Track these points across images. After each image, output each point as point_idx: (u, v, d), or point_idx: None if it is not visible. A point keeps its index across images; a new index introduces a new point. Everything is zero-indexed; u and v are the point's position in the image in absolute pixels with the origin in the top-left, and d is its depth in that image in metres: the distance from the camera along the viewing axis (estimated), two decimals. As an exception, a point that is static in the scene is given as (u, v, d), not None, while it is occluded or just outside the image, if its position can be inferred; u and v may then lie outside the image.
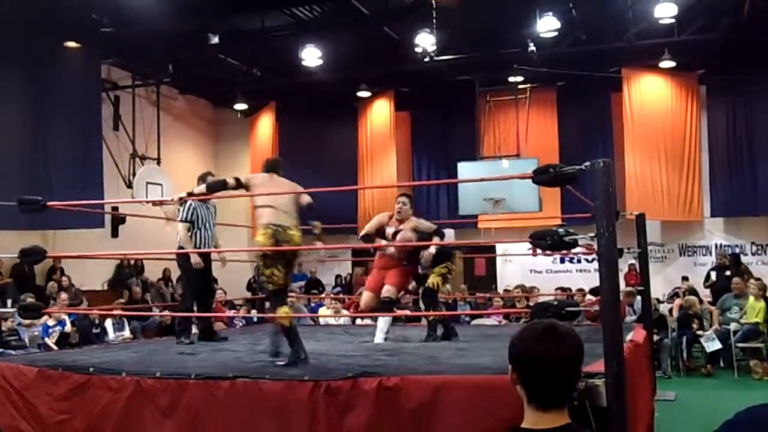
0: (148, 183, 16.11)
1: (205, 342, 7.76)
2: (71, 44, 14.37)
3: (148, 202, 7.07)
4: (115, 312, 11.63)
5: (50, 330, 10.99)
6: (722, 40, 14.44)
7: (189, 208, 7.81)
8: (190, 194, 7.03)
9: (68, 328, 11.19)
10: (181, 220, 7.77)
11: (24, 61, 13.50)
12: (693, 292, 13.39)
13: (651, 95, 16.94)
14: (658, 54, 15.65)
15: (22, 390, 5.90)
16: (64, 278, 14.38)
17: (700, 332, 11.90)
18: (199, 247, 7.74)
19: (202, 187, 7.00)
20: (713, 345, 11.60)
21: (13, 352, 9.39)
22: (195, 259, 7.59)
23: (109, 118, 16.69)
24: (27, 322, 10.60)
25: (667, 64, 15.94)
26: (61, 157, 13.81)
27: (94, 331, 11.64)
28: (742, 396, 9.54)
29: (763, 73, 15.95)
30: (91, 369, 5.78)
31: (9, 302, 12.29)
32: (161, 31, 14.38)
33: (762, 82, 16.17)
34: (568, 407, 1.97)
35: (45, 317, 10.75)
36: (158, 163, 17.56)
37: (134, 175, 16.62)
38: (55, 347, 10.53)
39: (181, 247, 7.79)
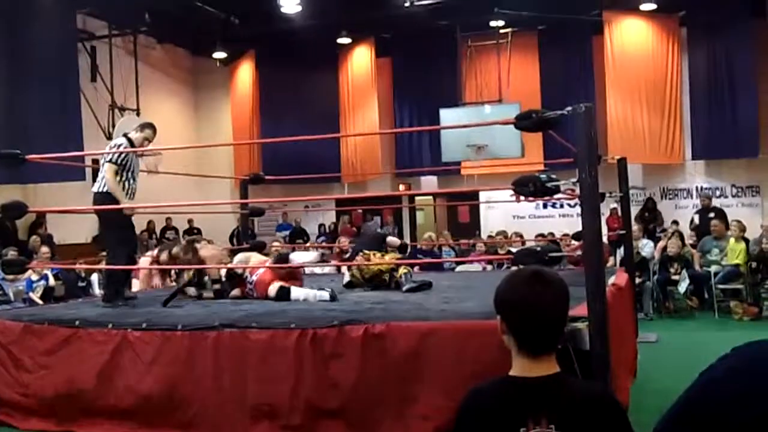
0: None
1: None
2: (45, -6, 14.10)
3: (128, 152, 6.87)
4: (99, 266, 11.60)
5: (34, 284, 10.96)
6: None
7: (118, 149, 6.98)
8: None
9: (52, 282, 11.16)
10: (110, 161, 6.83)
11: (-2, 14, 13.25)
12: (680, 235, 13.49)
13: (632, 38, 16.87)
14: (640, -4, 15.55)
15: (8, 345, 5.91)
16: (47, 232, 14.33)
17: (675, 277, 12.02)
18: (134, 194, 6.97)
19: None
20: (683, 284, 11.80)
21: (-3, 307, 9.40)
22: (128, 209, 6.91)
23: (87, 69, 16.46)
24: (10, 276, 10.56)
25: (648, 6, 15.87)
26: (39, 109, 13.64)
27: (80, 284, 11.63)
28: (723, 336, 9.70)
29: (744, 14, 15.88)
30: (77, 322, 5.79)
31: (-9, 257, 12.25)
32: (137, -22, 14.13)
33: (742, 23, 16.09)
34: (555, 354, 1.99)
35: (29, 272, 10.71)
36: (137, 114, 17.37)
37: (114, 126, 16.45)
38: (40, 302, 10.51)
39: (102, 194, 6.89)
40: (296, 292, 6.77)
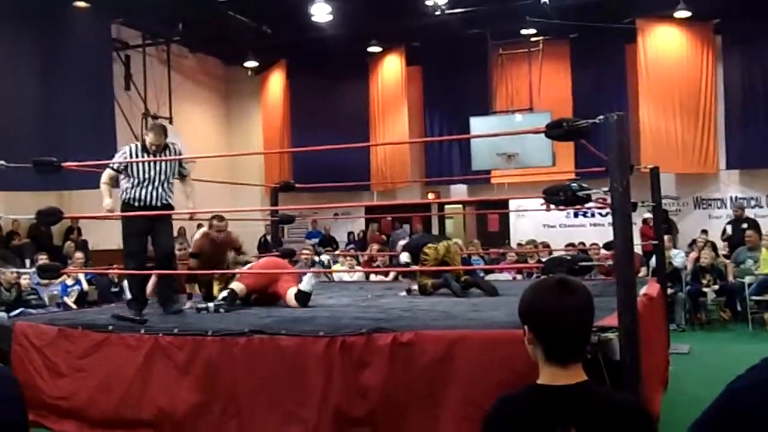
0: (160, 142, 16.10)
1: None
2: (80, 4, 14.31)
3: (161, 160, 6.91)
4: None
5: (69, 289, 11.12)
6: (738, -12, 14.20)
7: (121, 157, 6.86)
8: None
9: (85, 287, 11.31)
10: (109, 166, 6.86)
11: (34, 23, 13.46)
12: (712, 245, 13.35)
13: (665, 46, 16.72)
14: (673, 4, 15.40)
15: (43, 348, 6.00)
16: (81, 238, 14.50)
17: (706, 289, 11.88)
18: (143, 201, 6.74)
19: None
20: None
21: (33, 312, 9.53)
22: (105, 204, 6.76)
23: (121, 78, 16.67)
24: (45, 281, 10.73)
25: (682, 14, 15.70)
26: (74, 117, 13.83)
27: (113, 290, 11.76)
28: (756, 348, 9.53)
29: (780, 22, 15.69)
30: (110, 327, 5.87)
31: (27, 262, 12.44)
32: (170, -11, 14.30)
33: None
34: (582, 362, 1.99)
35: (63, 277, 10.87)
36: (170, 122, 17.53)
37: (147, 134, 16.61)
38: (74, 306, 10.65)
39: (125, 202, 6.84)
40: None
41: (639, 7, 15.86)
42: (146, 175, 6.76)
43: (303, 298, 7.02)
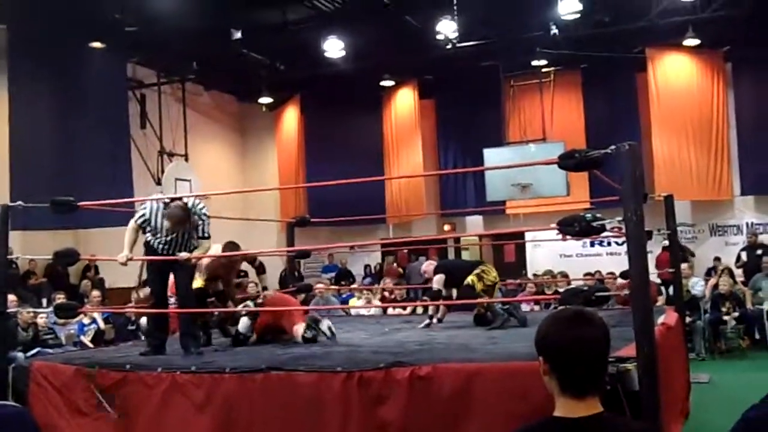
0: (176, 179, 16.21)
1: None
2: (96, 44, 14.50)
3: (177, 198, 6.96)
4: (148, 311, 11.76)
5: (86, 328, 11.15)
6: (746, 15, 14.19)
7: (141, 215, 6.95)
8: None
9: (102, 325, 11.33)
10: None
11: (51, 63, 13.65)
12: (730, 272, 13.26)
13: (676, 74, 16.76)
14: (682, 32, 15.45)
15: (61, 388, 6.01)
16: (97, 276, 14.56)
17: (726, 317, 11.77)
18: (155, 250, 6.90)
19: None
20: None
21: (50, 351, 9.55)
22: (120, 257, 6.80)
23: (136, 116, 16.82)
24: (62, 321, 10.76)
25: (692, 42, 15.73)
26: (90, 156, 13.95)
27: (130, 327, 11.78)
28: (777, 376, 9.45)
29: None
30: (128, 366, 5.88)
31: (44, 301, 12.49)
32: (184, 28, 14.45)
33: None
34: (601, 394, 1.99)
35: (80, 316, 10.91)
36: (186, 160, 17.68)
37: (163, 172, 16.75)
38: (90, 345, 10.67)
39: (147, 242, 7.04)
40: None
41: (648, 36, 15.91)
42: (166, 236, 6.83)
43: (309, 340, 7.01)
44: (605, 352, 2.03)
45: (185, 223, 6.72)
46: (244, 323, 7.23)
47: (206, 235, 6.93)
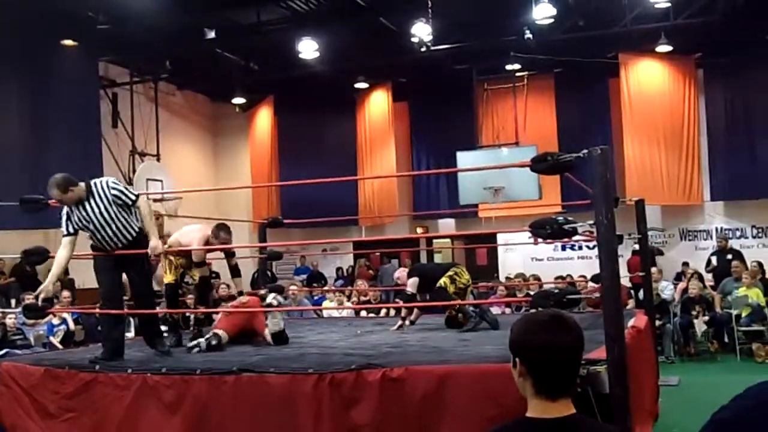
0: (148, 179, 16.11)
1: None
2: (68, 42, 14.38)
3: (149, 198, 6.83)
4: (123, 311, 11.66)
5: (55, 329, 11.02)
6: (718, 22, 14.38)
7: (65, 220, 6.35)
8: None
9: (72, 326, 11.21)
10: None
11: (21, 61, 13.51)
12: (699, 276, 13.39)
13: (649, 80, 16.93)
14: (655, 38, 15.63)
15: (30, 389, 5.94)
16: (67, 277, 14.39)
17: (695, 320, 11.90)
18: (103, 249, 6.31)
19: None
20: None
21: (18, 352, 9.43)
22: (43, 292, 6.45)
23: (108, 116, 16.67)
24: (31, 321, 10.62)
25: (664, 48, 15.92)
26: (61, 155, 13.79)
27: (99, 328, 11.64)
28: (746, 379, 9.36)
29: (761, 55, 15.87)
30: (97, 367, 5.82)
31: (12, 302, 12.33)
32: (158, 27, 14.37)
33: (759, 64, 16.12)
34: (572, 396, 2.00)
35: (49, 316, 10.77)
36: (158, 160, 17.57)
37: (134, 171, 16.62)
38: (60, 346, 10.55)
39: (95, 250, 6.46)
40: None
41: (622, 42, 16.07)
42: (97, 227, 6.22)
43: (279, 339, 6.97)
44: (580, 354, 2.05)
45: (66, 185, 6.12)
46: (221, 333, 7.04)
47: (132, 197, 6.26)
